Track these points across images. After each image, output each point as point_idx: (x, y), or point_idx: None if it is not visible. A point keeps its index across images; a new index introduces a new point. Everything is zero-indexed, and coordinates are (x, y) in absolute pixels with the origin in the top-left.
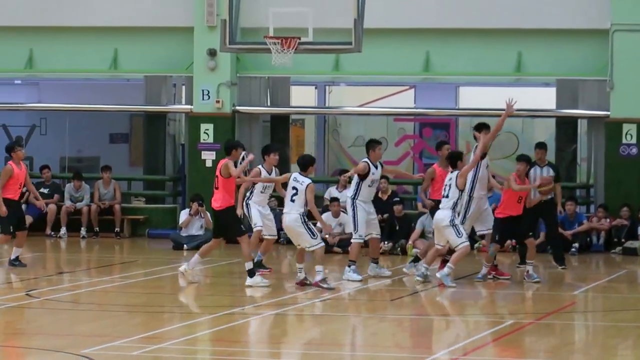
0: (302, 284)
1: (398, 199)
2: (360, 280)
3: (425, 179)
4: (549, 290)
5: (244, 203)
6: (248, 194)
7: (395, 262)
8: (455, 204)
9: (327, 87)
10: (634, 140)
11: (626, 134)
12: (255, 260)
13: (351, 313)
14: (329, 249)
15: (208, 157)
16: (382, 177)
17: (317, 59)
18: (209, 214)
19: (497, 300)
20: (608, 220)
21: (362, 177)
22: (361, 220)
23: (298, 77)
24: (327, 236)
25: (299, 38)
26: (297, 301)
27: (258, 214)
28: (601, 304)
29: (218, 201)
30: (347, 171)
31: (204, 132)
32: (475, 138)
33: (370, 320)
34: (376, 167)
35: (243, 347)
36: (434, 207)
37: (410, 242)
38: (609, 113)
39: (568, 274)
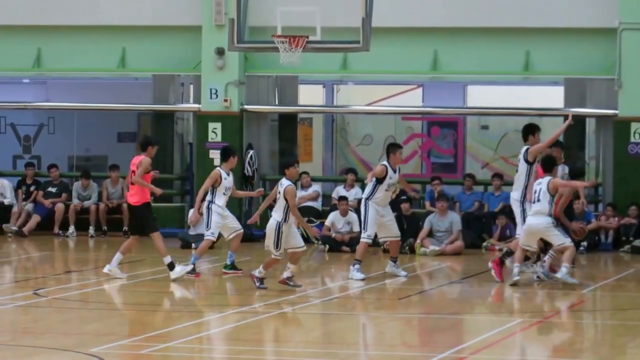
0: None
1: (406, 197)
2: (363, 279)
3: None
4: (557, 289)
5: (206, 207)
6: (209, 196)
7: (403, 261)
8: (550, 209)
9: (335, 86)
10: None
11: (634, 132)
12: (228, 261)
13: (359, 312)
14: (337, 247)
15: (216, 156)
16: None
17: (325, 58)
18: None
19: (505, 298)
20: (616, 219)
21: (380, 180)
22: (371, 221)
23: (306, 76)
24: (334, 235)
25: (307, 37)
26: (305, 300)
27: (217, 220)
28: (610, 302)
29: (135, 196)
30: (353, 170)
31: (212, 131)
32: (525, 140)
33: (378, 319)
34: (394, 172)
35: (252, 345)
36: None
37: (418, 240)
38: (617, 112)
39: (577, 272)
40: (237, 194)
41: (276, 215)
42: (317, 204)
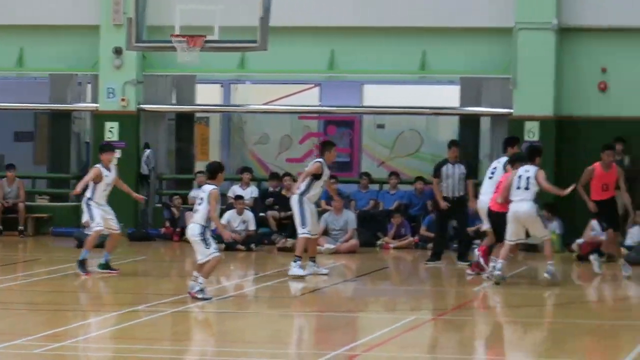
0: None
1: None
2: (304, 276)
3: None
4: (450, 287)
5: (85, 202)
6: (88, 192)
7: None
8: (536, 196)
9: (232, 86)
10: (536, 138)
11: (529, 131)
12: (104, 261)
13: (254, 310)
14: (232, 246)
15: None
16: (286, 174)
17: (222, 57)
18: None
19: (399, 296)
20: None
21: (317, 176)
22: (308, 215)
23: (203, 76)
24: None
25: (205, 36)
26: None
27: (99, 213)
28: (502, 299)
29: None
30: (249, 169)
31: (109, 131)
32: (504, 151)
33: (273, 317)
34: (329, 168)
35: (147, 344)
36: None
37: None
38: (512, 111)
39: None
40: (121, 185)
41: (198, 220)
42: None
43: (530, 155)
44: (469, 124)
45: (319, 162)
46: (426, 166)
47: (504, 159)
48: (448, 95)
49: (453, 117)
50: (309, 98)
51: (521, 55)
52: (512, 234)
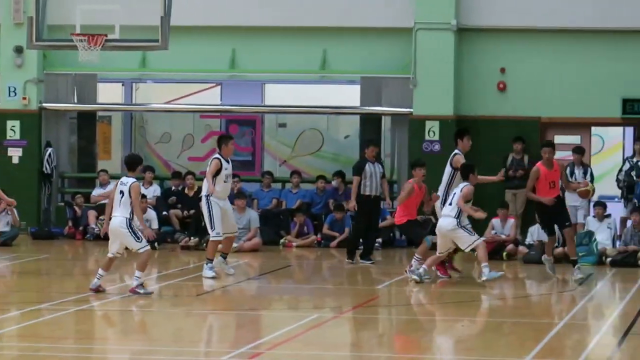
0: (97, 290)
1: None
2: (213, 278)
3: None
4: (353, 285)
5: None
6: None
7: (201, 257)
8: (459, 212)
9: (134, 84)
10: (436, 137)
11: (429, 130)
12: None
13: (158, 308)
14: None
15: (14, 153)
16: (188, 173)
17: (124, 56)
18: (15, 211)
19: (302, 294)
20: None
21: (217, 173)
22: (217, 217)
23: (105, 74)
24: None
25: (106, 35)
26: (104, 297)
27: None
28: (404, 297)
29: None
30: (151, 168)
31: (11, 129)
32: (456, 144)
33: (177, 315)
34: (228, 162)
35: (50, 342)
36: None
37: None
38: (412, 110)
39: (372, 268)
40: None
41: (123, 213)
42: None
43: (463, 172)
44: (370, 123)
45: (217, 158)
46: (327, 165)
47: (454, 152)
48: (349, 95)
49: (354, 117)
50: (211, 97)
51: (421, 55)
52: (440, 246)
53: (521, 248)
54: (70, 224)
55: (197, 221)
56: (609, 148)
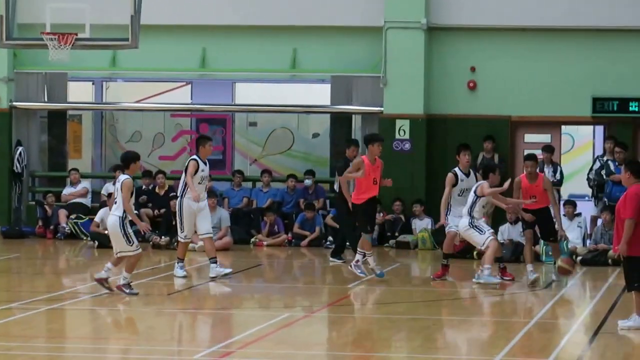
0: (101, 282)
1: (174, 194)
2: (184, 277)
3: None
4: (324, 284)
5: None
6: None
7: (172, 256)
8: (471, 209)
9: (104, 83)
10: (407, 136)
11: (399, 129)
12: None
13: (129, 307)
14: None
15: None
16: (159, 172)
17: (94, 55)
18: None
19: (272, 293)
20: (382, 214)
21: (195, 173)
22: (186, 219)
23: (75, 73)
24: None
25: (76, 34)
26: (75, 296)
27: None
28: (374, 296)
29: None
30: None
31: None
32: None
33: (148, 314)
34: (205, 164)
35: (21, 342)
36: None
37: None
38: (382, 109)
39: (343, 267)
40: None
41: (116, 212)
42: (86, 201)
43: (483, 173)
44: (340, 122)
45: (194, 159)
46: (298, 164)
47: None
48: (319, 94)
49: (324, 115)
50: (181, 96)
51: (391, 54)
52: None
53: None
54: (40, 223)
55: (168, 220)
56: (579, 147)
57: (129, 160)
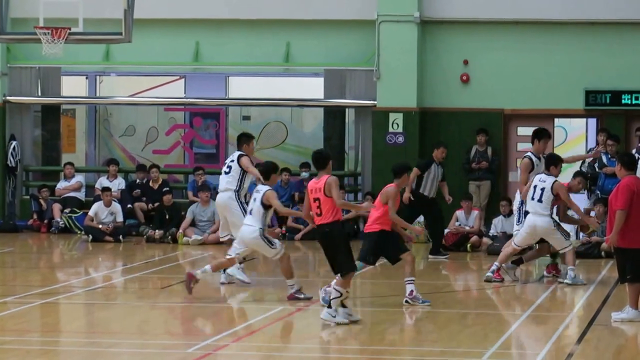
0: (293, 297)
1: (168, 188)
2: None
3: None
4: (318, 277)
5: None
6: None
7: (166, 250)
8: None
9: (97, 77)
10: (400, 129)
11: (393, 122)
12: None
13: (122, 301)
14: (100, 237)
15: None
16: (153, 165)
17: (87, 49)
18: None
19: (267, 287)
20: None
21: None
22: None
23: (69, 67)
24: (100, 226)
25: (69, 28)
26: (69, 290)
27: None
28: (370, 289)
29: None
30: (116, 161)
31: None
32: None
33: (142, 308)
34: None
35: (16, 335)
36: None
37: (180, 230)
38: (375, 102)
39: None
40: None
41: (254, 222)
42: (80, 195)
43: (548, 163)
44: (334, 115)
45: (246, 155)
46: (291, 157)
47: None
48: (312, 87)
49: (318, 109)
50: (175, 90)
51: (384, 47)
52: (522, 241)
53: (485, 239)
54: (35, 216)
55: (162, 214)
56: (572, 139)
57: (269, 171)
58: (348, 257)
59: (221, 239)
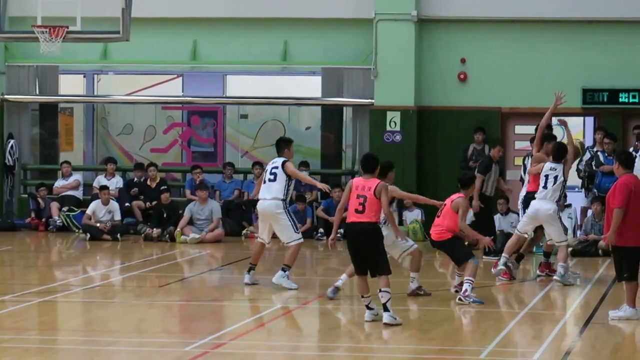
0: (415, 293)
1: (166, 187)
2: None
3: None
4: (315, 275)
5: None
6: None
7: (164, 248)
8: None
9: (95, 76)
10: (397, 128)
11: (390, 121)
12: None
13: (120, 299)
14: (98, 236)
15: None
16: (151, 164)
17: (85, 48)
18: None
19: (264, 285)
20: None
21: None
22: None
23: (66, 66)
24: (98, 224)
25: (67, 27)
26: (67, 288)
27: None
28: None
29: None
30: (113, 159)
31: None
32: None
33: (139, 306)
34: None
35: (14, 334)
36: None
37: (178, 229)
38: (373, 101)
39: (334, 259)
40: None
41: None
42: (78, 193)
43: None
44: (331, 114)
45: (290, 161)
46: None
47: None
48: (310, 86)
49: (315, 107)
50: (172, 88)
51: (381, 46)
52: (522, 226)
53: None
54: (33, 215)
55: (159, 212)
56: None
57: (385, 168)
58: (386, 259)
59: (258, 240)
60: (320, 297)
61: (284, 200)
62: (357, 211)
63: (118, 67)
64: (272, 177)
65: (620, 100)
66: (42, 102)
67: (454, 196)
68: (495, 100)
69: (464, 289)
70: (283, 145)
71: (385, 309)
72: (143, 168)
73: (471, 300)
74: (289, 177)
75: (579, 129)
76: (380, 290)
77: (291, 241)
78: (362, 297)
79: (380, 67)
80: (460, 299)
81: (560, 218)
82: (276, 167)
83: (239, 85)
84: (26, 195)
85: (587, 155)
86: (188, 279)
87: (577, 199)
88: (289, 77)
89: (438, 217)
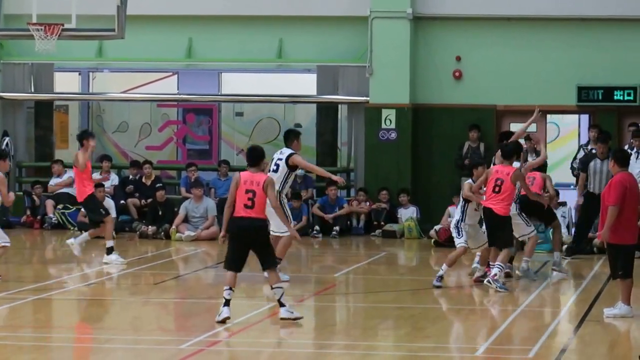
0: (478, 280)
1: (161, 184)
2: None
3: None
4: (310, 273)
5: None
6: None
7: (159, 246)
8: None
9: (90, 73)
10: (393, 125)
11: (385, 119)
12: None
13: (115, 297)
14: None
15: None
16: (146, 162)
17: (80, 46)
18: None
19: (260, 282)
20: (368, 203)
21: (292, 169)
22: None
23: (62, 64)
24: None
25: (63, 24)
26: (62, 286)
27: None
28: (362, 285)
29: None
30: (109, 157)
31: None
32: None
33: (135, 304)
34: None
35: (9, 332)
36: None
37: (173, 226)
38: (368, 99)
39: (329, 256)
40: None
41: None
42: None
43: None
44: (327, 111)
45: (295, 153)
46: None
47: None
48: (305, 83)
49: (311, 105)
50: (168, 86)
51: (377, 43)
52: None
53: None
54: (28, 213)
55: (155, 210)
56: (564, 135)
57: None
58: (273, 251)
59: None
60: (316, 294)
61: (279, 192)
62: (246, 206)
63: (113, 64)
64: (275, 167)
65: (615, 97)
66: (37, 99)
67: (502, 168)
68: (491, 98)
69: (493, 272)
70: (293, 136)
71: (281, 304)
72: (138, 165)
73: (498, 285)
74: (290, 170)
75: (574, 127)
76: (272, 287)
77: (280, 232)
78: (228, 288)
79: (376, 65)
80: (489, 281)
81: (521, 213)
82: (280, 159)
83: (234, 83)
84: (21, 193)
85: (582, 153)
86: (183, 276)
87: (572, 197)
88: (284, 74)
89: (497, 192)
